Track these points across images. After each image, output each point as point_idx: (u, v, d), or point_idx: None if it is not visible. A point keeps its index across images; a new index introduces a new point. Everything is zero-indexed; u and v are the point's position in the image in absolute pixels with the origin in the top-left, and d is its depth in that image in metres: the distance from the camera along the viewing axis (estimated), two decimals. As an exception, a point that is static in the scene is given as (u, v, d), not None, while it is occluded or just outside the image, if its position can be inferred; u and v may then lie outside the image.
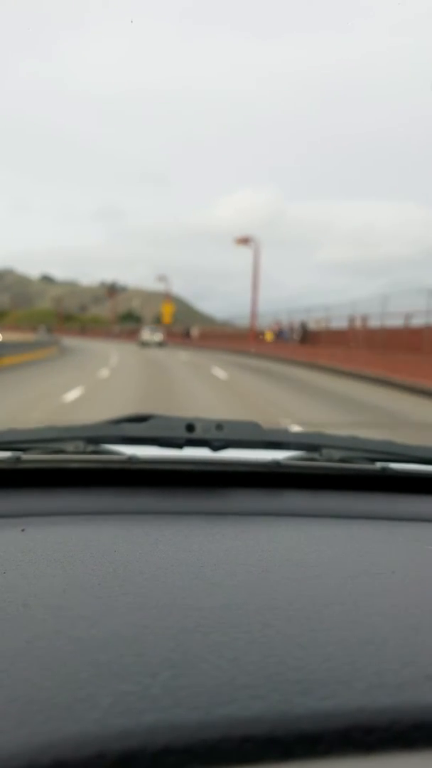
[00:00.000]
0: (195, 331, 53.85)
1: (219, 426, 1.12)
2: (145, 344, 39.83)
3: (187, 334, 52.02)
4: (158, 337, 41.19)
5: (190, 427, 1.10)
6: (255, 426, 1.20)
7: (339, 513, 0.95)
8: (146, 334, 41.99)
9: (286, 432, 1.25)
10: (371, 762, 0.39)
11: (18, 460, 0.98)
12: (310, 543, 0.78)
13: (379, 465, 1.09)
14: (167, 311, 54.96)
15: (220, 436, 1.10)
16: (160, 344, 40.09)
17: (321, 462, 1.09)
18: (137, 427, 1.15)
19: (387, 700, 0.43)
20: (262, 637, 0.51)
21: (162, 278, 59.42)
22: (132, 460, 1.01)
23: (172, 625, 0.53)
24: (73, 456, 1.02)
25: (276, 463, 1.04)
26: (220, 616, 0.55)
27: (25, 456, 1.00)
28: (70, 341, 43.28)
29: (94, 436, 1.09)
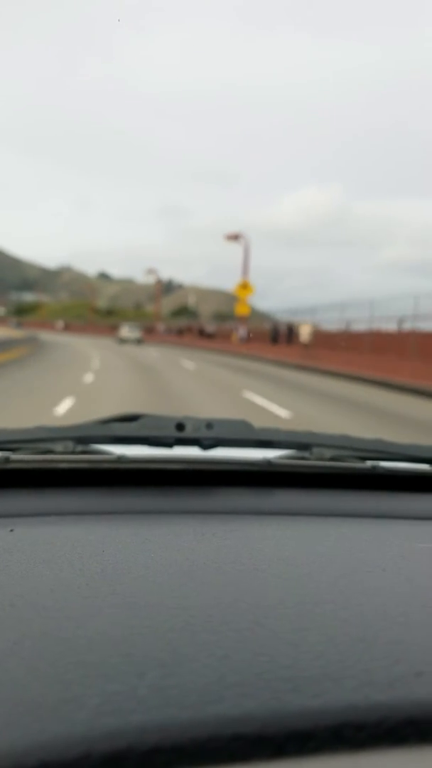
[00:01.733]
0: (210, 328, 48.95)
1: (209, 425, 1.12)
2: (123, 341, 41.37)
3: (202, 333, 49.01)
4: (136, 334, 43.23)
5: (180, 426, 1.10)
6: (245, 424, 1.19)
7: (330, 511, 0.96)
8: (125, 331, 43.73)
9: (276, 431, 1.23)
10: (362, 759, 0.39)
11: (7, 460, 0.97)
12: (301, 541, 0.78)
13: (369, 463, 1.09)
14: (245, 291, 29.33)
15: (211, 435, 1.10)
16: (138, 341, 42.06)
17: (312, 461, 1.09)
18: (127, 426, 1.15)
19: (378, 696, 0.43)
20: (252, 635, 0.51)
21: (151, 271, 53.10)
22: (121, 459, 1.01)
23: (161, 624, 0.52)
24: (63, 456, 1.02)
25: (267, 462, 1.04)
26: (209, 615, 0.54)
27: (14, 456, 0.99)
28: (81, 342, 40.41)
29: (84, 436, 1.09)
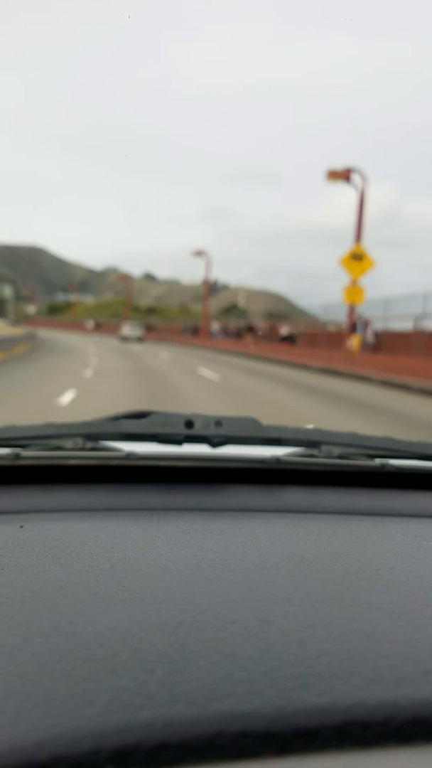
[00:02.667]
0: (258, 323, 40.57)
1: (218, 422, 1.12)
2: (125, 339, 42.72)
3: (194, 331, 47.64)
4: (137, 332, 44.54)
5: (189, 424, 1.10)
6: (254, 422, 1.19)
7: (338, 509, 0.96)
8: (126, 330, 44.90)
9: (285, 428, 1.23)
10: (368, 757, 0.39)
11: (17, 456, 0.98)
12: (309, 539, 0.78)
13: (378, 461, 1.09)
14: (361, 266, 19.25)
15: (219, 433, 1.10)
16: (140, 339, 43.51)
17: (320, 458, 1.09)
18: (136, 423, 1.15)
19: (384, 695, 0.43)
20: (260, 632, 0.51)
21: (199, 253, 42.02)
22: (131, 456, 1.01)
23: (169, 621, 0.53)
24: (72, 452, 1.02)
25: (275, 460, 1.05)
26: (217, 612, 0.55)
27: (24, 452, 1.00)
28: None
29: (93, 433, 1.09)
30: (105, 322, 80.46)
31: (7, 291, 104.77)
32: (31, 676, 0.44)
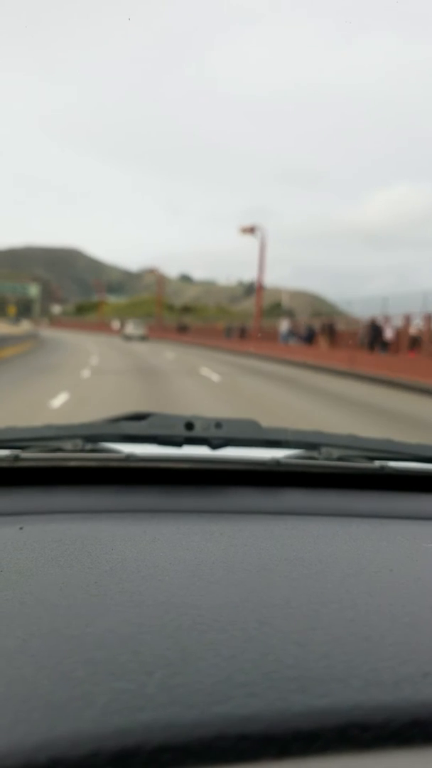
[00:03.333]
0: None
1: (218, 424, 1.12)
2: (128, 338, 43.19)
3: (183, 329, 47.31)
4: (140, 331, 45.21)
5: (189, 426, 1.10)
6: (254, 424, 1.20)
7: (338, 511, 0.96)
8: (130, 328, 45.67)
9: (285, 430, 1.23)
10: (368, 759, 0.39)
11: (17, 458, 0.98)
12: (309, 541, 0.78)
13: (378, 463, 1.09)
14: None
15: (220, 435, 1.10)
16: (143, 338, 44.07)
17: (320, 460, 1.09)
18: (136, 425, 1.15)
19: (384, 697, 0.43)
20: (259, 635, 0.51)
21: (250, 230, 30.73)
22: (130, 458, 1.01)
23: (169, 623, 0.53)
24: (72, 454, 1.02)
25: (275, 462, 1.04)
26: (217, 614, 0.55)
27: (23, 454, 1.00)
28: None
29: (93, 435, 1.09)
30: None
31: (34, 290, 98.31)
32: (31, 678, 0.44)
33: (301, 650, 0.49)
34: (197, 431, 1.09)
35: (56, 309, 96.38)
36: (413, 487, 1.08)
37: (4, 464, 0.97)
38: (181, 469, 1.02)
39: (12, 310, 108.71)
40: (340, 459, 1.09)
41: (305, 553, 0.72)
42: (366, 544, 0.79)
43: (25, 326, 53.84)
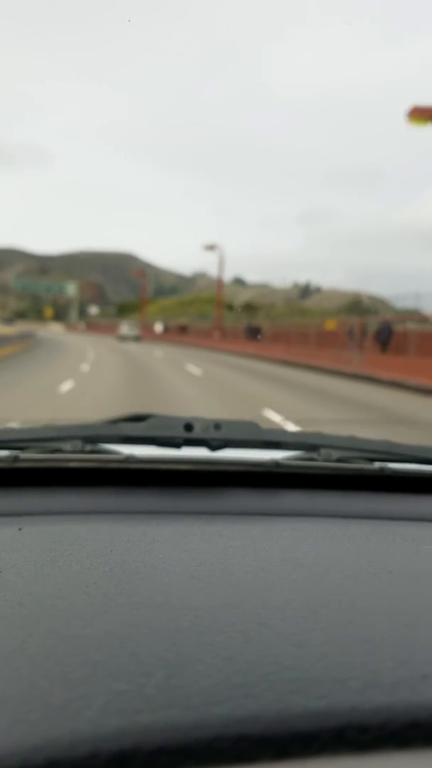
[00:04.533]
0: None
1: (217, 425, 1.12)
2: (123, 338, 44.02)
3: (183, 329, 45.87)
4: (135, 332, 46.34)
5: (188, 427, 1.10)
6: (253, 426, 1.20)
7: (337, 513, 0.96)
8: (124, 329, 46.67)
9: (284, 432, 1.27)
10: (366, 761, 0.39)
11: (16, 459, 0.98)
12: (308, 543, 0.78)
13: (377, 465, 1.09)
14: None
15: (219, 436, 1.10)
16: (137, 338, 45.02)
17: (319, 462, 1.09)
18: (135, 426, 1.16)
19: (382, 699, 0.43)
20: (258, 636, 0.51)
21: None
22: (130, 459, 1.01)
23: (168, 624, 0.52)
24: (71, 455, 1.02)
25: (274, 463, 1.04)
26: (215, 615, 0.55)
27: (22, 455, 1.00)
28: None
29: (92, 435, 1.09)
30: (188, 325, 52.55)
31: (72, 289, 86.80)
32: (29, 679, 0.44)
33: (299, 651, 0.49)
34: (196, 433, 1.09)
35: (93, 310, 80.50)
36: (413, 489, 1.08)
37: (4, 465, 0.97)
38: (180, 471, 1.02)
39: (48, 311, 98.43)
40: (339, 460, 1.09)
41: (304, 555, 0.72)
42: (365, 545, 0.78)
43: (13, 329, 45.17)
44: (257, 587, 0.61)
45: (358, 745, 0.40)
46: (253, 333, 31.85)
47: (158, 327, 53.62)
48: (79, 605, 0.56)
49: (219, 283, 44.67)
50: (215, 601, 0.58)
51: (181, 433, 1.08)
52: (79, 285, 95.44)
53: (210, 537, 0.77)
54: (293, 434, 1.23)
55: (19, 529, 0.78)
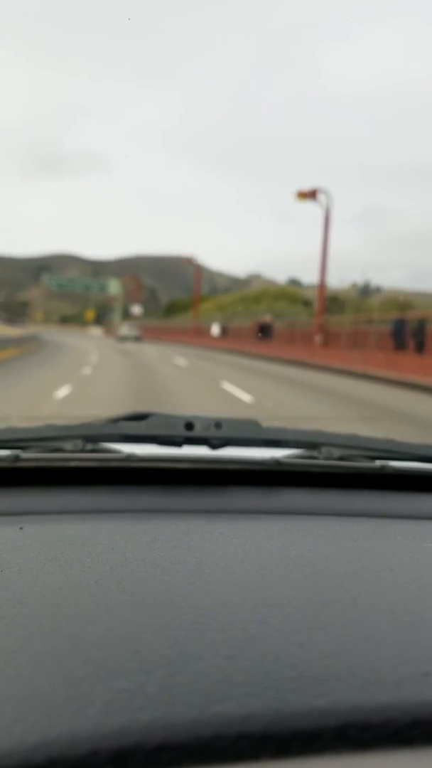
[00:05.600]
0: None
1: (218, 424, 1.12)
2: (123, 338, 43.48)
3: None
4: (134, 332, 46.07)
5: (189, 425, 1.10)
6: (254, 424, 1.20)
7: (338, 511, 0.96)
8: (124, 330, 46.88)
9: (285, 430, 1.24)
10: (367, 759, 0.39)
11: (17, 458, 0.98)
12: (309, 541, 0.78)
13: (378, 463, 1.09)
14: None
15: (219, 434, 1.10)
16: (137, 339, 44.27)
17: (320, 460, 1.09)
18: (136, 425, 1.16)
19: (384, 697, 0.43)
20: (259, 634, 0.51)
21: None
22: (131, 458, 1.01)
23: (169, 622, 0.53)
24: (72, 454, 1.02)
25: (275, 462, 1.04)
26: (216, 613, 0.55)
27: (23, 454, 1.00)
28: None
29: (93, 435, 1.09)
30: (272, 322, 37.48)
31: (115, 287, 73.92)
32: (30, 677, 0.44)
33: (300, 650, 0.49)
34: (197, 431, 1.09)
35: (136, 309, 67.89)
36: (414, 487, 1.08)
37: (5, 464, 0.97)
38: (181, 469, 1.02)
39: (90, 314, 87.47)
40: (340, 458, 1.09)
41: (305, 553, 0.72)
42: (366, 543, 0.78)
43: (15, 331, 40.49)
44: (258, 585, 0.62)
45: (360, 743, 0.39)
46: (404, 337, 17.11)
47: (215, 329, 39.93)
48: (80, 604, 0.56)
49: (323, 261, 24.33)
50: (216, 599, 0.58)
51: (182, 432, 1.09)
52: (122, 281, 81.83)
53: (211, 535, 0.77)
54: (294, 432, 1.21)
55: (21, 528, 0.78)
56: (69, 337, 45.75)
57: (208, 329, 40.57)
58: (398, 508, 0.99)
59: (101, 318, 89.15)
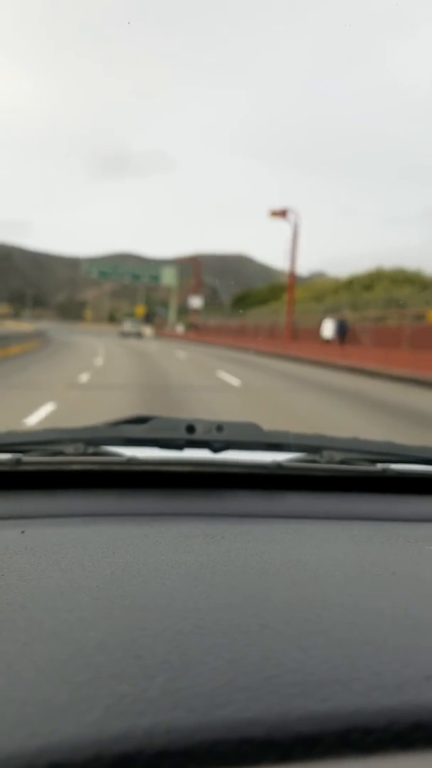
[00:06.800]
0: None
1: (219, 427, 1.12)
2: (125, 335, 44.34)
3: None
4: (137, 328, 46.88)
5: (190, 429, 1.10)
6: (255, 427, 1.20)
7: (339, 514, 0.96)
8: (127, 326, 47.43)
9: (286, 434, 1.23)
10: (370, 763, 0.39)
11: (18, 462, 0.98)
12: (311, 544, 0.78)
13: (380, 466, 1.09)
14: None
15: (221, 438, 1.10)
16: (139, 335, 45.04)
17: (322, 464, 1.09)
18: (137, 428, 1.15)
19: (386, 700, 0.43)
20: (261, 638, 0.51)
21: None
22: (132, 461, 1.01)
23: (170, 627, 0.52)
24: (74, 458, 1.02)
25: (277, 465, 1.04)
26: (218, 617, 0.54)
27: (25, 458, 1.00)
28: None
29: (95, 438, 1.09)
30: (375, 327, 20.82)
31: (170, 275, 58.04)
32: (31, 682, 0.44)
33: (302, 654, 0.48)
34: (198, 434, 1.09)
35: (195, 302, 52.63)
36: (415, 490, 1.08)
37: (6, 468, 0.97)
38: (182, 473, 1.02)
39: (140, 310, 72.96)
40: (342, 462, 1.08)
41: (307, 557, 0.72)
42: (368, 546, 0.78)
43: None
44: (260, 589, 0.61)
45: (362, 747, 0.39)
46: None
47: (328, 328, 23.68)
48: (81, 608, 0.56)
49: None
50: (218, 603, 0.57)
51: (184, 435, 1.08)
52: (178, 269, 64.39)
53: (212, 539, 0.77)
54: (295, 436, 1.20)
55: (22, 531, 0.77)
56: (89, 338, 35.87)
57: (311, 330, 24.63)
58: (400, 511, 0.99)
59: (152, 315, 74.41)
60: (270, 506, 0.96)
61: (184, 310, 58.50)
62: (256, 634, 0.51)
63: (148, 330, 55.37)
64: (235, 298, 65.47)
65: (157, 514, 0.89)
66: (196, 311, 53.02)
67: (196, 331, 46.66)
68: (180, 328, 52.90)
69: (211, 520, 0.87)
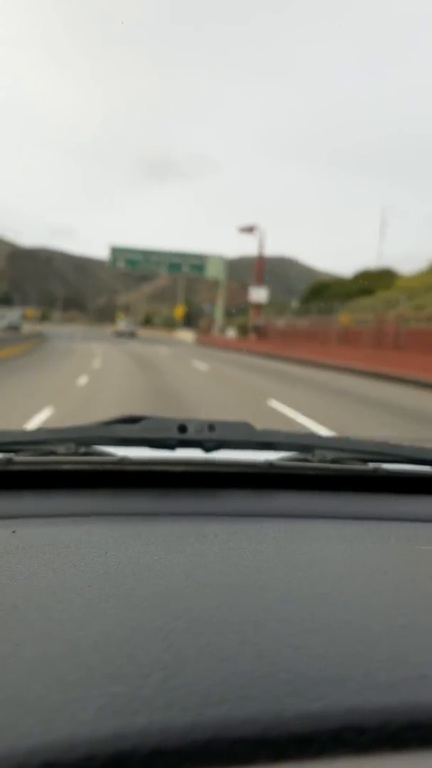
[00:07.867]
0: None
1: (211, 427, 1.12)
2: (120, 334, 45.84)
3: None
4: (131, 328, 48.29)
5: (182, 428, 1.10)
6: (247, 426, 1.20)
7: (332, 514, 0.96)
8: (121, 326, 49.01)
9: (278, 433, 1.23)
10: (363, 762, 0.39)
11: (9, 461, 0.98)
12: (303, 544, 0.78)
13: (371, 465, 1.09)
14: None
15: (213, 437, 1.10)
16: (132, 334, 46.24)
17: (314, 463, 1.09)
18: (129, 428, 1.15)
19: (379, 700, 0.43)
20: (254, 637, 0.51)
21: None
22: (124, 461, 1.01)
23: (164, 626, 0.52)
24: (65, 458, 1.02)
25: (269, 464, 1.04)
26: (211, 617, 0.54)
27: (16, 458, 0.99)
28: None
29: (86, 438, 1.09)
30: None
31: (216, 265, 44.74)
32: (24, 682, 0.44)
33: (296, 653, 0.49)
34: (190, 434, 1.09)
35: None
36: (407, 489, 1.08)
37: None
38: (174, 472, 1.02)
39: (180, 311, 61.00)
40: (333, 461, 1.09)
41: (299, 556, 0.72)
42: (360, 546, 0.78)
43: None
44: (253, 588, 0.61)
45: (356, 746, 0.39)
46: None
47: None
48: (74, 608, 0.56)
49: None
50: (211, 602, 0.57)
51: (176, 435, 1.08)
52: (224, 263, 49.55)
53: (205, 538, 0.77)
54: (287, 435, 1.20)
55: (13, 531, 0.77)
56: (101, 345, 28.79)
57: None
58: (392, 510, 0.99)
59: (194, 317, 62.58)
60: (262, 505, 0.97)
61: (229, 313, 45.42)
62: (249, 633, 0.51)
63: (188, 336, 43.69)
64: (312, 288, 50.27)
65: (149, 514, 0.89)
66: (257, 307, 36.70)
67: (260, 336, 32.00)
68: (231, 333, 40.30)
69: (203, 519, 0.87)
